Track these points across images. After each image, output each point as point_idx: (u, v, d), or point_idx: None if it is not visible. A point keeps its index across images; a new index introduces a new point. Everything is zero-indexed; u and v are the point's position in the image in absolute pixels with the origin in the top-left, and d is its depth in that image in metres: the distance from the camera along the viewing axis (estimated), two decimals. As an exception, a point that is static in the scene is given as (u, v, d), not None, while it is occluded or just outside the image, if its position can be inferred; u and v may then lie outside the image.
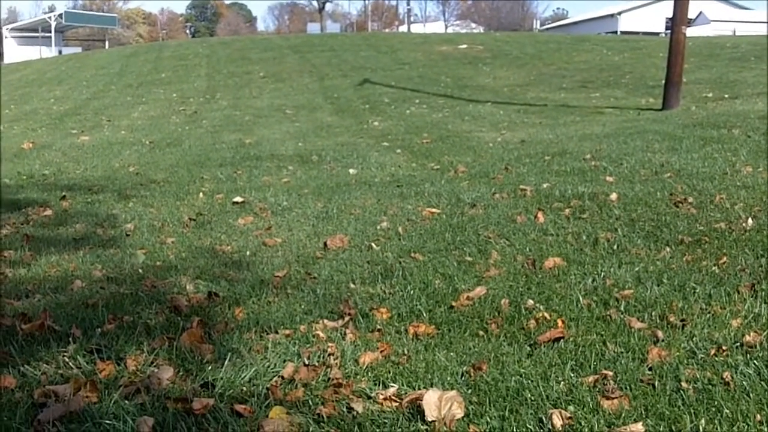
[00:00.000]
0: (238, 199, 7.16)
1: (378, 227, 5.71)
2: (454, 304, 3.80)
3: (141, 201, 7.40)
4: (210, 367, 3.04)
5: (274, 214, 6.51)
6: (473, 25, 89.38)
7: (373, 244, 5.15)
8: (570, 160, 8.35)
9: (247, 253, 5.19)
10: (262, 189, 7.78)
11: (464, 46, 30.55)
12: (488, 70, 23.80)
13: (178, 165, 9.92)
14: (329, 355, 3.17)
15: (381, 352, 3.22)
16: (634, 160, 7.92)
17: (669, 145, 8.69)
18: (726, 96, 14.63)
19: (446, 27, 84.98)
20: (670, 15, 13.92)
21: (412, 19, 68.70)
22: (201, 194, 7.61)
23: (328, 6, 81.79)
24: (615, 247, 4.69)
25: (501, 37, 35.08)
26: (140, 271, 4.77)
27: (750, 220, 4.97)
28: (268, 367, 3.06)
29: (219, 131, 14.25)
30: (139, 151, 11.76)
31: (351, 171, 8.78)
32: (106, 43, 68.36)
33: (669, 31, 14.08)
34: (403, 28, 69.66)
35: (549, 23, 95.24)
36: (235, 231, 5.95)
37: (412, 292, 4.02)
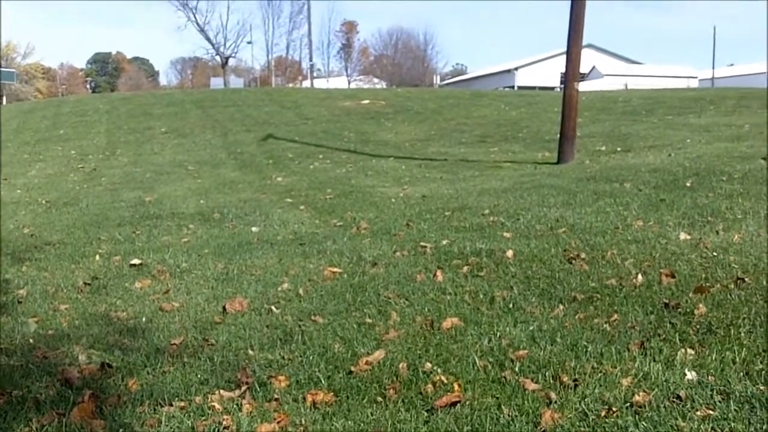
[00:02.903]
0: (135, 261, 7.01)
1: (279, 288, 5.66)
2: (353, 369, 3.78)
3: (35, 265, 7.17)
4: (100, 446, 2.94)
5: (173, 276, 6.39)
6: (375, 80, 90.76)
7: (273, 307, 5.11)
8: (469, 215, 8.49)
9: (143, 319, 5.07)
10: (161, 250, 7.64)
11: (367, 101, 30.93)
12: (390, 125, 24.12)
13: (75, 225, 9.66)
14: (224, 428, 3.12)
15: (278, 422, 3.18)
16: (531, 215, 8.10)
17: (564, 200, 8.94)
18: (618, 149, 15.18)
19: (349, 82, 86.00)
20: (564, 70, 14.43)
21: (315, 74, 69.28)
22: (97, 256, 7.42)
23: (232, 61, 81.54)
24: (511, 305, 4.77)
25: (402, 93, 35.68)
26: (31, 340, 4.62)
27: (640, 276, 5.13)
28: (161, 443, 2.98)
29: (118, 189, 13.97)
30: (35, 211, 11.44)
31: (253, 229, 8.71)
32: (4, 98, 66.46)
33: (564, 82, 14.58)
34: (307, 83, 70.13)
35: (449, 78, 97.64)
36: (131, 295, 5.81)
37: (311, 357, 4.00)
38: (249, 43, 78.93)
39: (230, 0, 78.93)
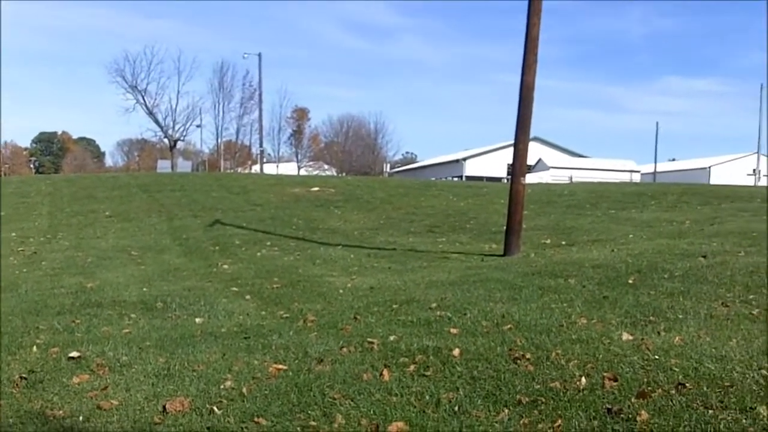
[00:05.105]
0: (74, 353, 6.81)
1: (221, 386, 5.55)
2: (295, 476, 3.70)
3: (-32, 358, 6.93)
4: None
5: (112, 371, 6.23)
6: (326, 166, 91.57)
7: (215, 407, 4.99)
8: (417, 309, 8.48)
9: (80, 418, 4.91)
10: (101, 341, 7.45)
11: (316, 188, 31.11)
12: (340, 213, 24.23)
13: (13, 313, 9.40)
14: None
15: None
16: (477, 310, 8.12)
17: (509, 295, 8.99)
18: (563, 243, 15.39)
19: (299, 168, 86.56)
20: (511, 161, 14.71)
21: (265, 159, 69.59)
22: (35, 347, 7.20)
23: (180, 144, 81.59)
24: (456, 408, 4.73)
25: (352, 181, 36.00)
26: (-40, 441, 4.43)
27: (584, 379, 5.15)
28: None
29: (59, 274, 13.69)
30: (-30, 297, 11.11)
31: (197, 320, 8.56)
32: (-57, 176, 65.44)
33: (510, 176, 14.84)
34: (256, 168, 70.41)
35: (399, 166, 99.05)
36: (69, 392, 5.63)
37: (252, 463, 3.90)
38: (198, 126, 78.77)
39: (180, 84, 78.89)
